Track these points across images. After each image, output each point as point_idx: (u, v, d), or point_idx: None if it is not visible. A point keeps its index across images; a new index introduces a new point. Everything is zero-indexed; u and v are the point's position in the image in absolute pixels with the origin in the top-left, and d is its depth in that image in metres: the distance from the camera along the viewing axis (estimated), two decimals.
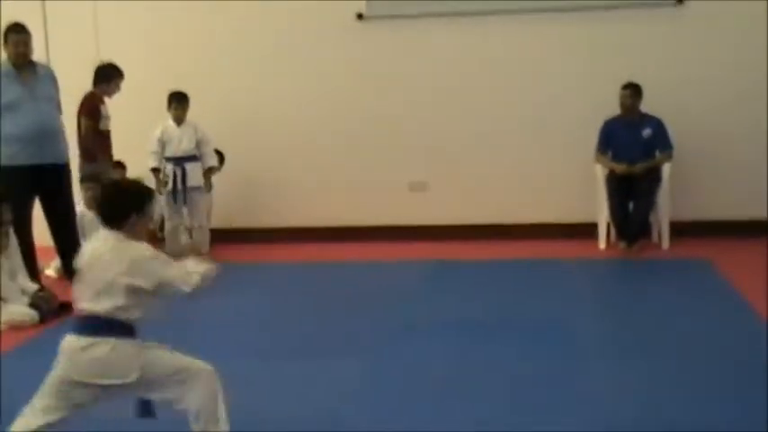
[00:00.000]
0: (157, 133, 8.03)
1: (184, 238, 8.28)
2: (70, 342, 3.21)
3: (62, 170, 7.00)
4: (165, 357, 3.27)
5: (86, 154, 7.78)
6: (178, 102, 8.10)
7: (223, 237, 8.56)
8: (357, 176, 8.74)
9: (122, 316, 3.16)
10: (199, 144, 8.10)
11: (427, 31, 8.45)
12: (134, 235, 3.26)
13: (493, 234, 8.47)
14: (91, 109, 7.74)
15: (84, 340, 3.17)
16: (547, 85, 8.42)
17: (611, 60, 8.22)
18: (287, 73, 8.64)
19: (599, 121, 8.06)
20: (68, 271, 7.23)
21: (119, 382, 3.17)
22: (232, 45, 8.67)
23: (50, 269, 7.44)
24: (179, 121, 8.05)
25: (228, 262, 7.83)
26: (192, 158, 8.09)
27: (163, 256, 3.29)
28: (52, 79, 6.98)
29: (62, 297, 6.22)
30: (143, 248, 3.24)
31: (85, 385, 3.19)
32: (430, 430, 3.86)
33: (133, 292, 3.15)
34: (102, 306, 3.15)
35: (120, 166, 7.99)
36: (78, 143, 7.73)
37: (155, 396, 3.28)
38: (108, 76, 7.69)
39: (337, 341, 5.35)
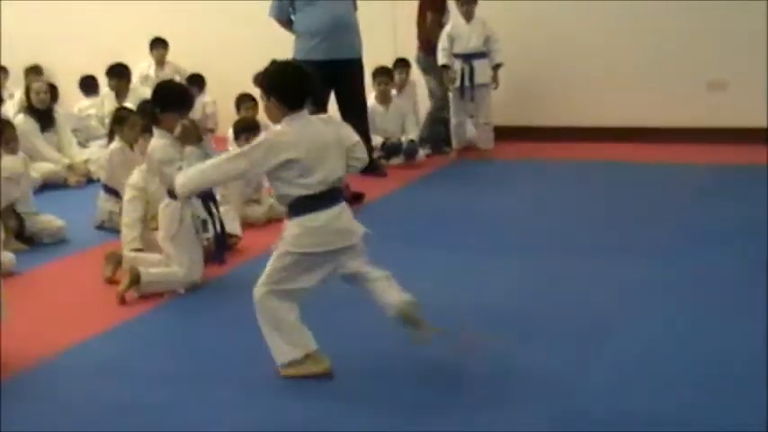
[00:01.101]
0: (447, 29, 8.01)
1: (469, 135, 8.31)
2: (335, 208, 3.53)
3: (356, 64, 7.24)
4: None
5: (428, 46, 8.07)
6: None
7: (508, 134, 8.49)
8: (650, 74, 8.27)
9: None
10: (487, 41, 7.99)
11: None
12: None
13: None
14: (436, 3, 8.01)
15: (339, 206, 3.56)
16: None
17: None
18: None
19: None
20: None
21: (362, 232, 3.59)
22: None
23: None
24: (468, 16, 7.97)
25: (512, 159, 7.95)
26: (481, 55, 7.98)
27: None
28: None
29: (353, 187, 6.50)
30: None
31: None
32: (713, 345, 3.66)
33: None
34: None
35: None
36: (419, 35, 8.08)
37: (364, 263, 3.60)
38: None
39: (619, 243, 5.19)
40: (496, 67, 8.00)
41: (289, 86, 3.47)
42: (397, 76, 8.48)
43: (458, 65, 7.93)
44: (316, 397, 3.33)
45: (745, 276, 4.45)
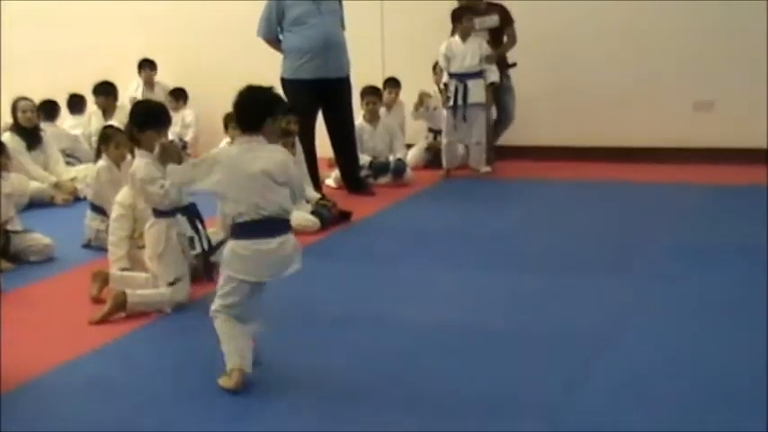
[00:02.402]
0: (442, 49, 8.01)
1: (460, 155, 8.31)
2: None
3: (344, 83, 7.25)
4: None
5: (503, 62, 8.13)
6: (464, 16, 7.99)
7: (502, 153, 8.51)
8: (638, 95, 8.33)
9: None
10: (482, 60, 8.01)
11: None
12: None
13: None
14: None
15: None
16: None
17: None
18: None
19: None
20: (347, 181, 7.57)
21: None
22: None
23: (330, 179, 7.78)
24: (465, 36, 8.00)
25: (501, 178, 7.97)
26: (475, 75, 7.95)
27: None
28: None
29: (340, 206, 6.51)
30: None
31: None
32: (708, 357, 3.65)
33: None
34: None
35: None
36: (498, 52, 8.07)
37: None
38: None
39: (613, 261, 5.20)
40: (490, 86, 7.99)
41: (242, 108, 3.50)
42: (386, 96, 8.50)
43: (452, 84, 7.93)
44: (309, 414, 3.30)
45: (739, 295, 4.47)
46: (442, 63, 7.98)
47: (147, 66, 9.72)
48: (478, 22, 8.02)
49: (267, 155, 3.47)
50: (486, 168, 8.17)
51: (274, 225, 3.43)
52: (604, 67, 8.44)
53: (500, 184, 7.80)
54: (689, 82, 8.21)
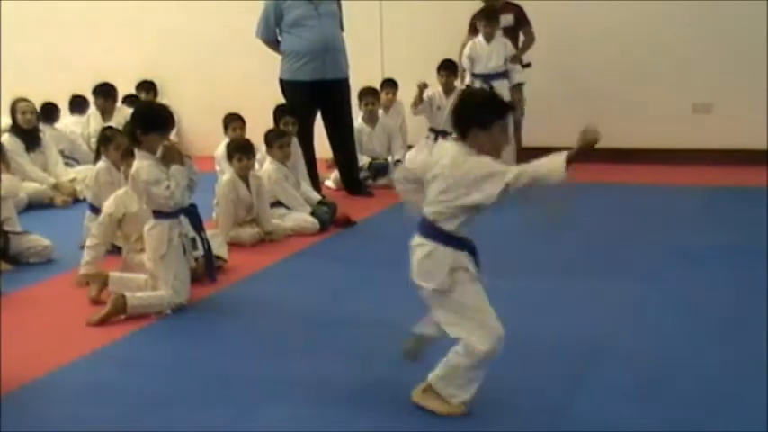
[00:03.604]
0: (466, 50, 7.94)
1: None
2: (413, 240, 3.29)
3: (343, 85, 7.26)
4: (470, 289, 3.20)
5: (521, 61, 8.04)
6: (488, 20, 7.97)
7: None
8: (639, 98, 8.36)
9: (443, 224, 3.20)
10: (507, 60, 7.89)
11: None
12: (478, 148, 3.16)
13: None
14: (473, 26, 7.98)
15: (417, 239, 3.27)
16: None
17: None
18: None
19: None
20: (346, 183, 7.58)
21: (424, 284, 3.22)
22: None
23: (330, 181, 7.79)
24: (489, 37, 7.90)
25: None
26: (500, 75, 7.78)
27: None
28: None
29: (339, 207, 6.51)
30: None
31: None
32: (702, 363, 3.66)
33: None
34: (428, 211, 3.24)
35: None
36: (518, 50, 8.02)
37: (437, 315, 3.26)
38: None
39: (612, 263, 5.22)
40: (516, 86, 7.88)
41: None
42: (383, 96, 8.50)
43: (477, 85, 7.86)
44: (308, 419, 3.31)
45: (737, 297, 4.49)
46: (465, 64, 7.92)
47: (145, 88, 9.62)
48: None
49: None
50: None
51: None
52: (603, 69, 8.44)
53: None
54: (688, 84, 8.22)
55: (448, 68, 8.06)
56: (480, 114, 3.17)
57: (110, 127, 6.72)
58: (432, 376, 3.26)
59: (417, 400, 3.29)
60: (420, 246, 3.24)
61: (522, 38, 8.21)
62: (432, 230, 3.20)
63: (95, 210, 5.95)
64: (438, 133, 8.51)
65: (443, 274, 3.16)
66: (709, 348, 3.83)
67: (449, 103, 7.71)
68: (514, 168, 3.14)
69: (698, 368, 3.61)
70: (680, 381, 3.49)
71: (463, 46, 8.01)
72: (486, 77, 7.78)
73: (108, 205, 5.20)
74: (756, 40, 7.88)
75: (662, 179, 7.63)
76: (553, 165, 3.08)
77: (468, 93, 3.88)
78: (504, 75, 7.83)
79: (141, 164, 4.53)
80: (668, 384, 3.46)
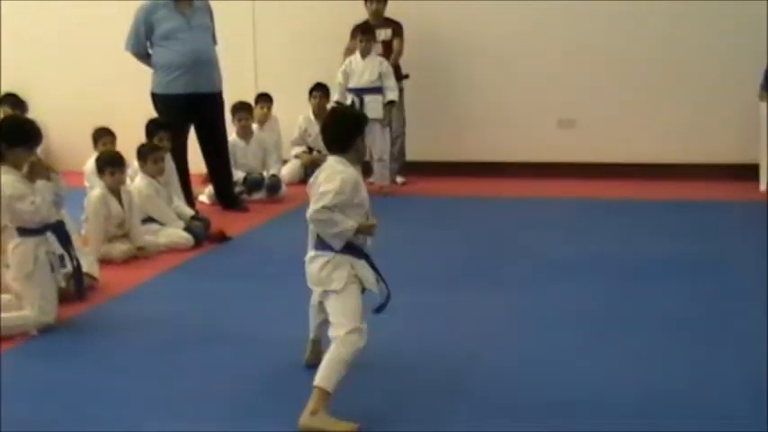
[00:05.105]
0: (342, 66, 8.02)
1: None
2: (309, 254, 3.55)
3: (216, 99, 7.18)
4: (354, 295, 3.46)
5: (397, 73, 8.16)
6: (364, 34, 8.03)
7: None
8: (508, 112, 8.61)
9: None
10: (381, 77, 7.98)
11: None
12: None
13: (649, 174, 8.25)
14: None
15: (311, 253, 3.54)
16: (709, 24, 8.08)
17: None
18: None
19: (762, 61, 7.68)
20: (221, 197, 7.49)
21: (320, 289, 3.47)
22: None
23: (204, 195, 7.68)
24: (365, 53, 8.00)
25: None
26: (373, 90, 7.93)
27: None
28: (208, 10, 7.14)
29: (214, 223, 6.43)
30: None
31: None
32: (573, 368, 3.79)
33: None
34: None
35: None
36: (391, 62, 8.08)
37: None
38: None
39: (483, 275, 5.32)
40: (389, 104, 7.99)
41: None
42: (258, 111, 8.47)
43: (350, 99, 7.93)
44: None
45: (608, 303, 4.66)
46: (339, 79, 7.99)
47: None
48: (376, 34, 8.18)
49: None
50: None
51: None
52: (476, 85, 8.66)
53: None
54: (553, 100, 8.52)
55: (320, 90, 8.28)
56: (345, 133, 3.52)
57: None
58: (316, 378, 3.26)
59: (307, 424, 3.22)
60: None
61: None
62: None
63: None
64: (312, 149, 8.59)
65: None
66: (581, 355, 3.96)
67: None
68: (325, 201, 3.42)
69: (570, 377, 3.72)
70: (551, 392, 3.57)
71: (347, 50, 8.18)
72: (359, 92, 7.89)
73: None
74: (618, 57, 8.27)
75: (532, 192, 7.86)
76: (342, 234, 3.43)
77: (334, 113, 4.03)
78: (378, 90, 7.93)
79: (6, 179, 4.35)
80: (539, 395, 3.55)
